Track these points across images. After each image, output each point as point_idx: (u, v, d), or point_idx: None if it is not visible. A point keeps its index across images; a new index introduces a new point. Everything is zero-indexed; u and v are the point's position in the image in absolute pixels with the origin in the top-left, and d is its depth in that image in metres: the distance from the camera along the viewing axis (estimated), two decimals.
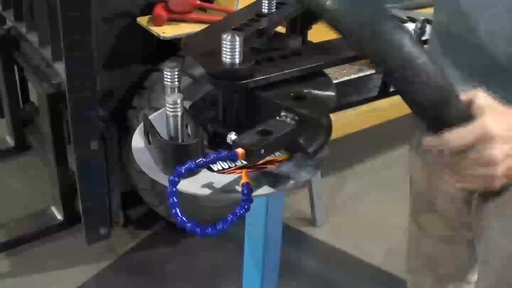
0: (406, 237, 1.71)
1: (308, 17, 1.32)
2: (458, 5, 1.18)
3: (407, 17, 1.41)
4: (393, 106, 2.78)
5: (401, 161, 2.98)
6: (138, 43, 2.47)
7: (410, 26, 1.34)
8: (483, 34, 1.14)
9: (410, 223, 1.65)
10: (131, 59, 2.52)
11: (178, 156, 1.00)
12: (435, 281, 1.67)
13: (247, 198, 0.96)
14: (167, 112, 1.03)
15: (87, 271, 2.60)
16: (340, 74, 2.50)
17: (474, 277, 1.60)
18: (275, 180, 1.04)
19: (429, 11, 1.55)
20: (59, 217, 2.66)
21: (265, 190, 1.03)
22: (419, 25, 1.30)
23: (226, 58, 1.03)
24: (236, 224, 0.99)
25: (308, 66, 1.13)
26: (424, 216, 1.57)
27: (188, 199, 1.13)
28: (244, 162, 1.00)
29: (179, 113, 1.02)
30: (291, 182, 1.05)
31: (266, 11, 1.28)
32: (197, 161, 0.95)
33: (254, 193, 0.99)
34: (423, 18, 1.33)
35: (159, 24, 2.31)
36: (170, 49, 2.42)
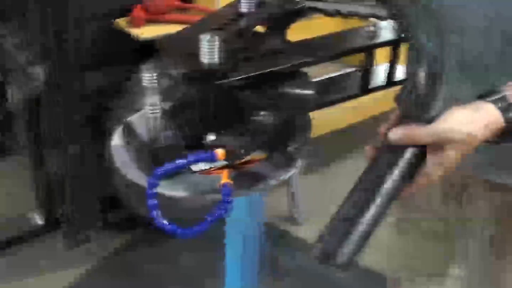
0: (387, 234, 1.72)
1: (288, 17, 1.32)
2: None
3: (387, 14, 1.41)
4: (374, 104, 2.79)
5: None
6: (116, 44, 2.46)
7: (390, 23, 1.34)
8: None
9: (391, 220, 1.65)
10: (110, 61, 2.50)
11: (157, 158, 1.00)
12: (416, 277, 1.67)
13: (227, 198, 0.96)
14: (146, 114, 1.02)
15: (68, 276, 2.58)
16: (319, 73, 2.50)
17: (455, 271, 1.61)
18: (255, 179, 1.04)
19: None
20: (39, 221, 2.65)
21: (245, 190, 1.02)
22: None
23: (205, 58, 1.02)
24: (218, 224, 0.99)
25: (287, 65, 1.13)
26: (405, 214, 1.57)
27: (168, 201, 1.12)
28: (224, 163, 1.00)
29: (158, 115, 1.02)
30: (271, 181, 1.04)
31: (245, 10, 1.28)
32: (176, 163, 0.95)
33: (234, 193, 0.99)
34: None
35: (137, 25, 2.30)
36: (150, 50, 2.41)
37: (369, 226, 0.94)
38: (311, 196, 3.13)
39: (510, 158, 1.23)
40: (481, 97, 0.99)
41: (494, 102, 0.97)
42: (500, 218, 1.34)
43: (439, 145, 0.95)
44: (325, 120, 2.73)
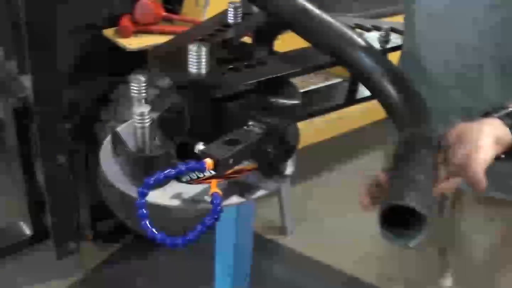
0: (377, 244, 1.72)
1: (274, 27, 1.33)
2: (430, 14, 1.23)
3: (372, 25, 1.43)
4: (360, 114, 2.80)
5: (371, 168, 3.00)
6: (104, 55, 2.46)
7: (375, 34, 1.36)
8: (453, 44, 1.20)
9: None
10: (98, 72, 2.51)
11: (146, 168, 1.00)
12: None
13: (217, 208, 0.96)
14: (135, 124, 1.02)
15: (58, 287, 2.57)
16: (307, 83, 2.52)
17: (446, 282, 1.61)
18: (244, 189, 1.05)
19: (393, 20, 1.56)
20: (28, 232, 2.63)
21: (234, 199, 1.03)
22: (383, 33, 1.31)
23: (192, 68, 1.03)
24: (207, 235, 0.99)
25: (274, 75, 1.13)
26: None
27: (158, 211, 1.12)
28: (213, 172, 1.00)
29: (147, 125, 1.02)
30: (260, 191, 1.05)
31: (232, 21, 1.29)
32: (165, 172, 0.95)
33: (224, 203, 0.99)
34: (387, 26, 1.35)
35: (125, 36, 2.31)
36: (137, 60, 2.42)
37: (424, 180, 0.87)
38: (300, 206, 3.14)
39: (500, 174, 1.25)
40: (488, 113, 1.01)
41: (501, 118, 0.99)
42: (494, 229, 1.35)
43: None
44: (312, 130, 2.74)
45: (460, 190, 1.35)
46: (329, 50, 1.12)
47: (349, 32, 1.10)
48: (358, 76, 1.13)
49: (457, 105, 1.23)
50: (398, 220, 0.83)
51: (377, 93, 1.07)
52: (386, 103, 1.06)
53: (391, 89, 1.05)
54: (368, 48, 1.09)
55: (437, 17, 1.23)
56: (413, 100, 1.05)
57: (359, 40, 1.10)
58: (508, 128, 0.97)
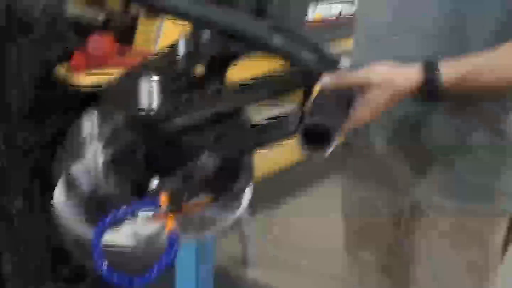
0: (344, 270, 1.71)
1: (227, 57, 1.32)
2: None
3: None
4: None
5: (330, 193, 3.00)
6: (58, 93, 2.42)
7: None
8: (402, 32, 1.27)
9: (347, 257, 1.65)
10: (52, 110, 2.47)
11: (101, 208, 0.98)
12: None
13: (172, 247, 0.94)
14: (88, 163, 1.01)
15: None
16: (260, 111, 2.52)
17: None
18: (202, 223, 1.03)
19: None
20: None
21: (191, 235, 1.01)
22: None
23: (144, 102, 1.01)
24: (168, 272, 0.97)
25: (227, 106, 1.13)
26: (360, 249, 1.58)
27: (115, 251, 1.10)
28: (170, 208, 0.99)
29: (100, 163, 1.00)
30: (218, 224, 1.04)
31: (184, 52, 1.28)
32: (120, 212, 0.93)
33: (182, 239, 0.97)
34: None
35: (77, 72, 2.28)
36: (93, 97, 2.39)
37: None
38: (260, 236, 3.12)
39: (454, 183, 1.26)
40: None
41: (422, 63, 1.10)
42: (449, 242, 1.35)
43: (363, 88, 1.09)
44: (267, 159, 2.73)
45: (415, 204, 1.35)
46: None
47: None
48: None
49: None
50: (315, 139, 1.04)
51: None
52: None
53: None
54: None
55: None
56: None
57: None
58: (422, 71, 1.09)
